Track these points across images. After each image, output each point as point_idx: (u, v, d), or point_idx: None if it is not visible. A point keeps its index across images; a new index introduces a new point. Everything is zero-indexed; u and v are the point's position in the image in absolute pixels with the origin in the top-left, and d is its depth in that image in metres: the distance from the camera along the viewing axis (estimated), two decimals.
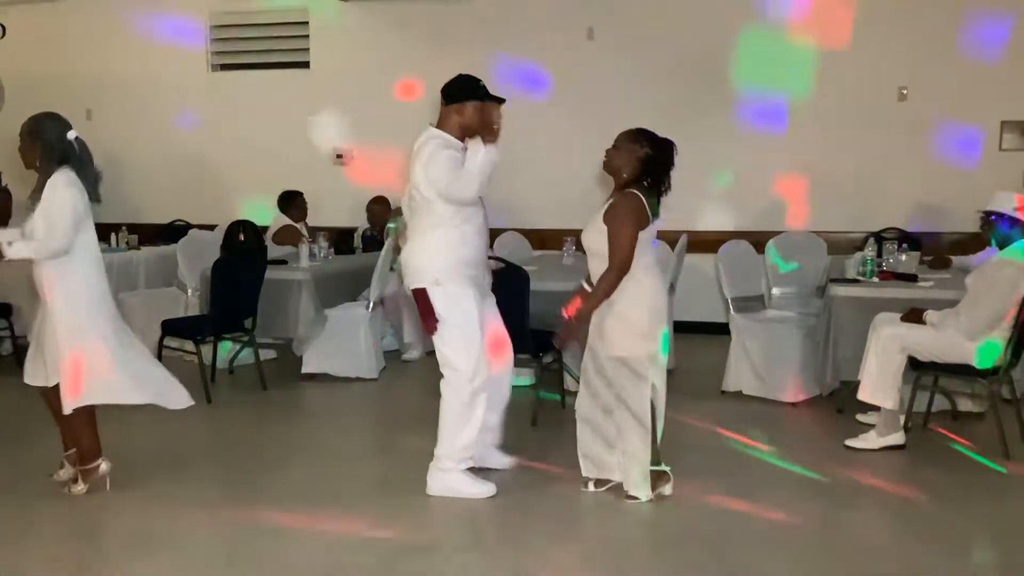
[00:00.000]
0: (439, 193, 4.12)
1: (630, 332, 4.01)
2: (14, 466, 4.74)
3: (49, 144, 4.09)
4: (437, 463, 4.29)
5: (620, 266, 3.95)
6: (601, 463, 4.24)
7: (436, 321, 4.16)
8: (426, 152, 4.15)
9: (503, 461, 4.61)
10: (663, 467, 4.16)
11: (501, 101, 4.28)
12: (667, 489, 4.16)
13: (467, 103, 4.21)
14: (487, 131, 4.16)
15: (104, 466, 4.27)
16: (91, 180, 4.18)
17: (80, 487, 4.26)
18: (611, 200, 4.08)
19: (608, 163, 4.09)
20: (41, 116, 4.22)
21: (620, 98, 7.86)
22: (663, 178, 4.04)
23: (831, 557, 3.68)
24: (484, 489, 4.28)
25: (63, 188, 4.04)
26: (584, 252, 4.25)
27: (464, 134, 4.23)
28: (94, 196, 4.20)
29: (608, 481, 4.24)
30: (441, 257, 4.16)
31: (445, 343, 4.20)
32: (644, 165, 4.00)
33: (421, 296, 4.19)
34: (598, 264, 4.06)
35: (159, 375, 4.40)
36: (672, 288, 6.30)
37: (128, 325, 4.47)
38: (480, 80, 4.28)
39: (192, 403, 4.48)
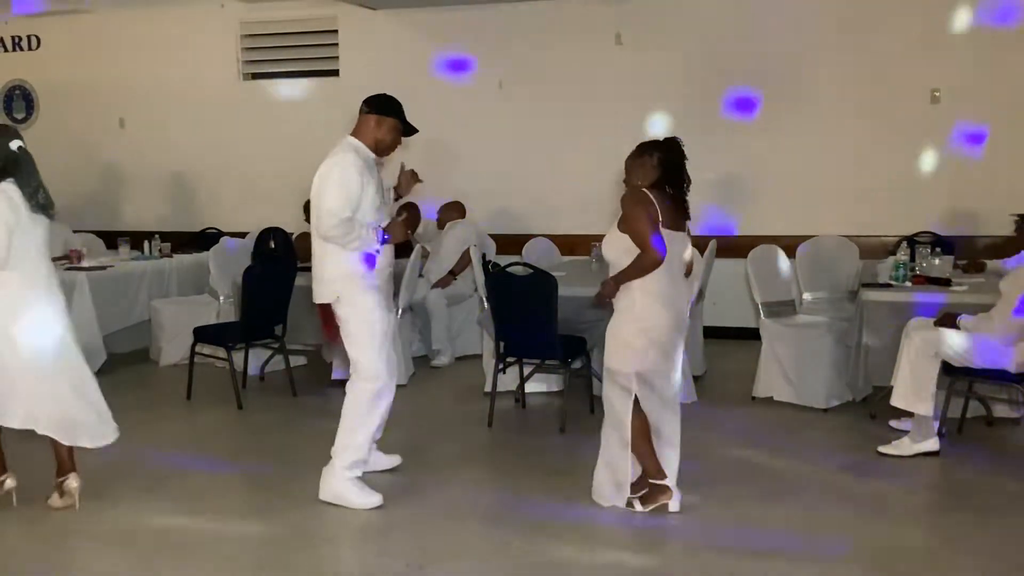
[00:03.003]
0: (315, 201, 4.18)
1: (619, 345, 4.01)
2: (50, 469, 4.79)
3: None
4: (331, 466, 4.28)
5: (651, 254, 3.85)
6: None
7: (336, 330, 4.28)
8: (330, 161, 4.20)
9: (388, 461, 4.67)
10: (665, 482, 4.09)
11: (414, 131, 4.39)
12: (673, 505, 4.09)
13: (388, 118, 4.29)
14: (388, 152, 4.37)
15: (9, 482, 4.18)
16: (32, 190, 4.00)
17: None
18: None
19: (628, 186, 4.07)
20: None
21: (649, 103, 7.84)
22: (681, 174, 4.01)
23: (864, 565, 3.64)
24: (371, 500, 4.23)
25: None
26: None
27: (376, 147, 4.31)
28: (35, 207, 4.01)
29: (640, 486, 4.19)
30: (344, 270, 4.23)
31: (352, 344, 4.28)
32: (662, 168, 3.97)
33: (325, 309, 4.31)
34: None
35: (76, 413, 4.19)
36: (701, 294, 6.27)
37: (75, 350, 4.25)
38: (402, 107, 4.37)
39: (107, 441, 4.27)
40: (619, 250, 3.99)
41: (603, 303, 4.15)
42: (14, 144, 4.06)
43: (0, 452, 4.24)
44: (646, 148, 4.04)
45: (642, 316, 3.96)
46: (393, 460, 4.71)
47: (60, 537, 3.97)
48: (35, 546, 3.90)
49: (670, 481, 4.09)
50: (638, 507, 4.09)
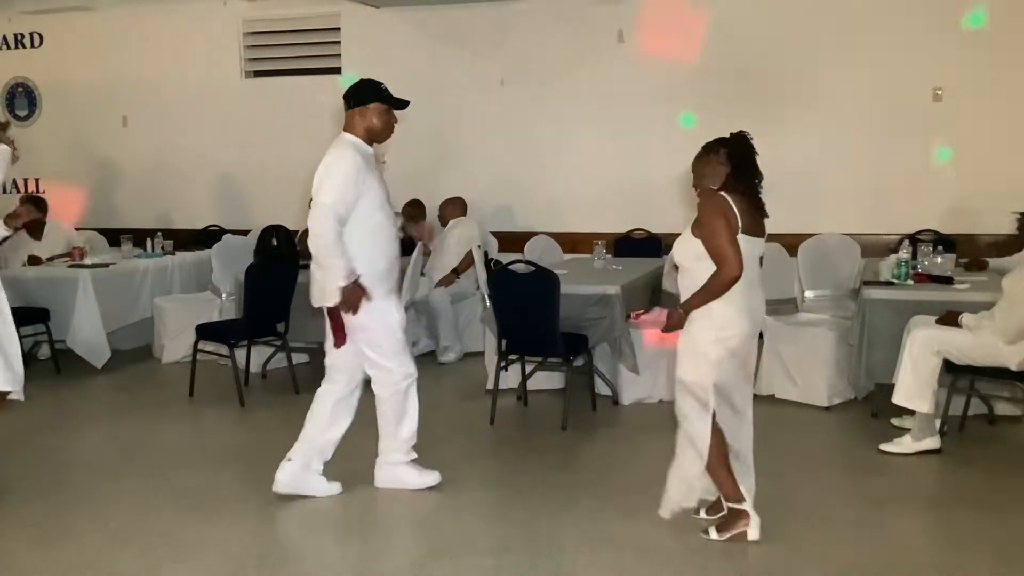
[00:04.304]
0: (314, 196, 4.09)
1: (696, 356, 3.72)
2: (53, 467, 4.81)
3: None
4: (384, 458, 4.42)
5: (728, 268, 3.59)
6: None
7: (344, 337, 4.21)
8: (329, 156, 4.13)
9: (326, 488, 4.39)
10: (744, 506, 3.79)
11: (404, 105, 4.26)
12: (752, 532, 3.77)
13: (370, 106, 4.18)
14: (386, 136, 4.25)
15: None
16: None
17: None
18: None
19: (701, 191, 3.80)
20: None
21: (651, 101, 7.84)
22: (752, 170, 3.78)
23: (865, 563, 3.64)
24: (429, 479, 4.42)
25: None
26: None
27: (370, 137, 4.22)
28: None
29: (717, 508, 3.92)
30: (364, 269, 4.14)
31: (372, 350, 4.27)
32: (731, 164, 3.73)
33: (334, 313, 4.19)
34: (688, 280, 3.79)
35: None
36: None
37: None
38: (383, 84, 4.25)
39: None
40: (691, 254, 3.72)
41: (670, 330, 3.91)
42: None
43: None
44: (712, 146, 3.79)
45: (719, 324, 3.67)
46: (333, 488, 4.43)
47: (60, 534, 3.98)
48: (35, 543, 3.91)
49: (748, 505, 3.80)
50: (714, 535, 3.80)
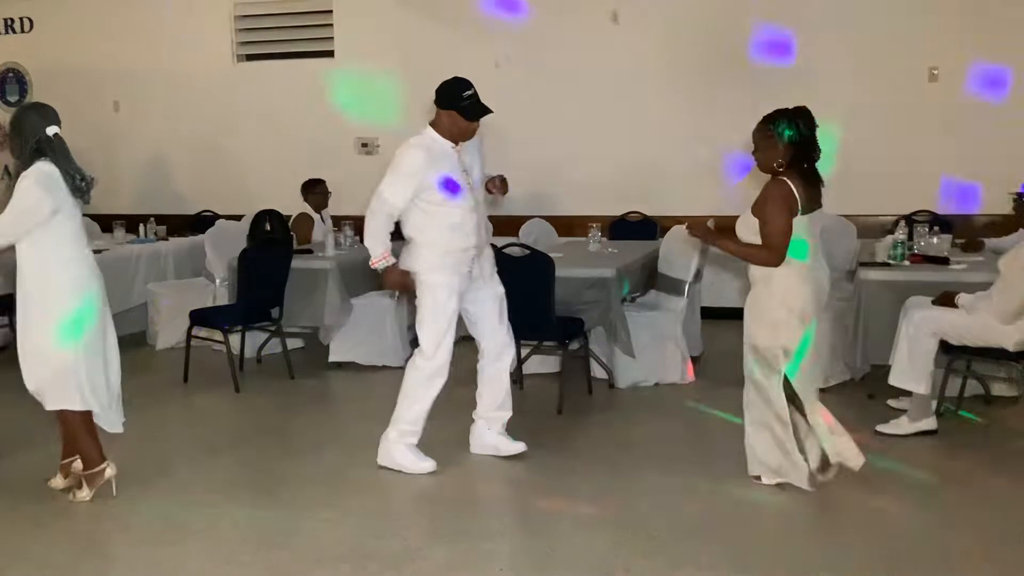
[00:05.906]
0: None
1: (764, 322, 3.94)
2: (48, 453, 4.78)
3: (23, 138, 3.99)
4: (387, 433, 4.47)
5: (772, 254, 3.83)
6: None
7: (405, 289, 4.43)
8: (399, 150, 4.32)
9: (513, 447, 4.63)
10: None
11: (480, 115, 4.33)
12: (830, 474, 4.11)
13: (450, 111, 4.30)
14: (467, 138, 4.37)
15: (109, 470, 4.14)
16: (70, 176, 3.98)
17: (85, 493, 4.13)
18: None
19: (761, 164, 3.96)
20: (24, 108, 4.18)
21: (645, 82, 7.80)
22: (814, 148, 3.93)
23: (862, 544, 3.64)
24: (424, 465, 4.41)
25: (31, 184, 3.88)
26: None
27: (452, 137, 4.33)
28: (75, 193, 4.00)
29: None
30: (424, 250, 4.33)
31: (418, 322, 4.42)
32: (794, 145, 3.87)
33: (405, 274, 4.40)
34: None
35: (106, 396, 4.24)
36: (699, 275, 6.27)
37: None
38: (470, 89, 4.32)
39: (120, 430, 4.29)
40: (753, 233, 3.92)
41: (693, 234, 4.14)
42: (51, 130, 4.04)
43: (92, 439, 4.17)
44: (772, 120, 3.92)
45: (782, 290, 3.88)
46: (518, 446, 4.64)
47: (56, 518, 3.97)
48: (30, 528, 3.89)
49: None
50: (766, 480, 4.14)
